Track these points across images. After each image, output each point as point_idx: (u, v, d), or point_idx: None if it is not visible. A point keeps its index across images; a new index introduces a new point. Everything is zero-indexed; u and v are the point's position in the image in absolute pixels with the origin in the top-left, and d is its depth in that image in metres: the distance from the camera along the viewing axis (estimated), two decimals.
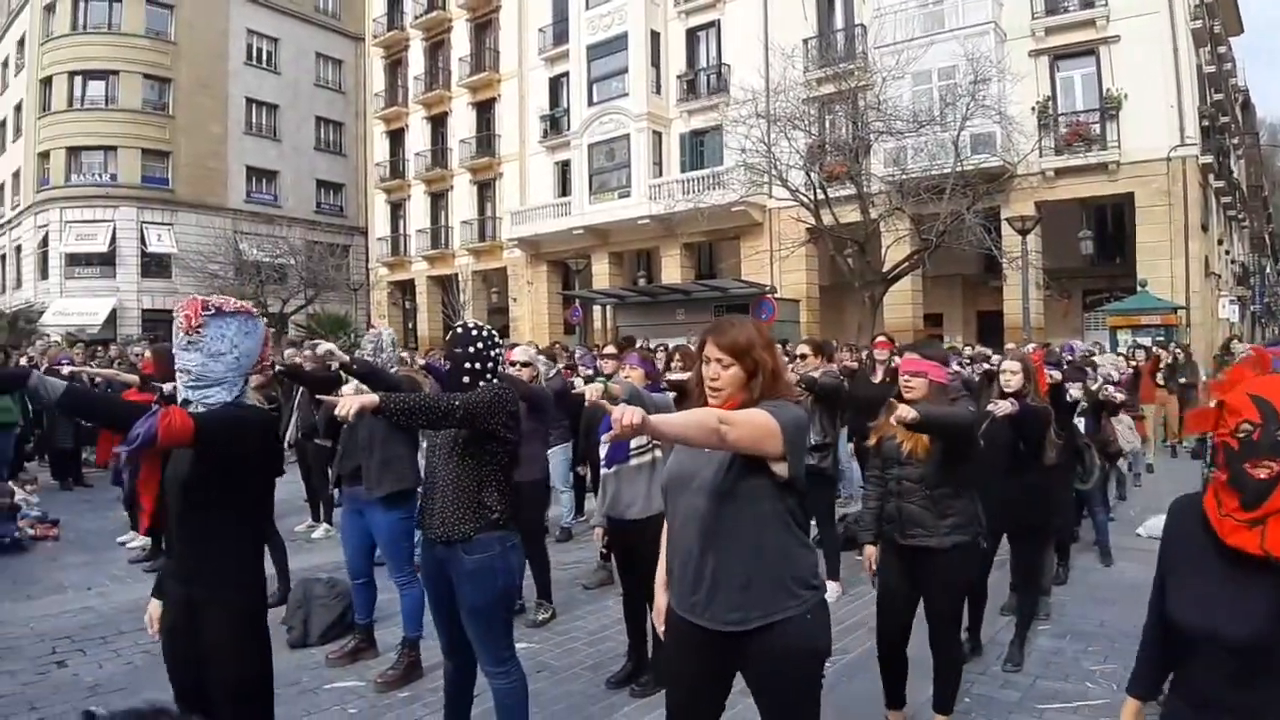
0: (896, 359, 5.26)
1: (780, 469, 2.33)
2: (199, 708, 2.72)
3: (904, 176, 17.76)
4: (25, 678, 4.74)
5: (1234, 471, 1.79)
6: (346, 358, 4.61)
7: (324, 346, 4.70)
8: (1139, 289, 18.31)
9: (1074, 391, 5.80)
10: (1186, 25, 19.33)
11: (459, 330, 3.44)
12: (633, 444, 4.27)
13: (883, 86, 18.08)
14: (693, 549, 2.39)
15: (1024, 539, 4.95)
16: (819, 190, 17.73)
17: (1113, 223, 22.16)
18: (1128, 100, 18.98)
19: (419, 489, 4.89)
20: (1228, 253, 27.14)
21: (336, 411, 2.83)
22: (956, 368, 8.86)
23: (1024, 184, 19.25)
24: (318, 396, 3.56)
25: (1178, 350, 14.44)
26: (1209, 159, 19.62)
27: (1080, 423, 6.61)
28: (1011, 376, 4.82)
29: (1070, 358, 7.26)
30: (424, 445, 3.62)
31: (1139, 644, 2.07)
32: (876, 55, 19.66)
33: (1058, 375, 5.55)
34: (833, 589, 5.47)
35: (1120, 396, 7.47)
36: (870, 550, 3.85)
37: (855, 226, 18.00)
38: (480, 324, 3.48)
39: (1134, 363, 10.97)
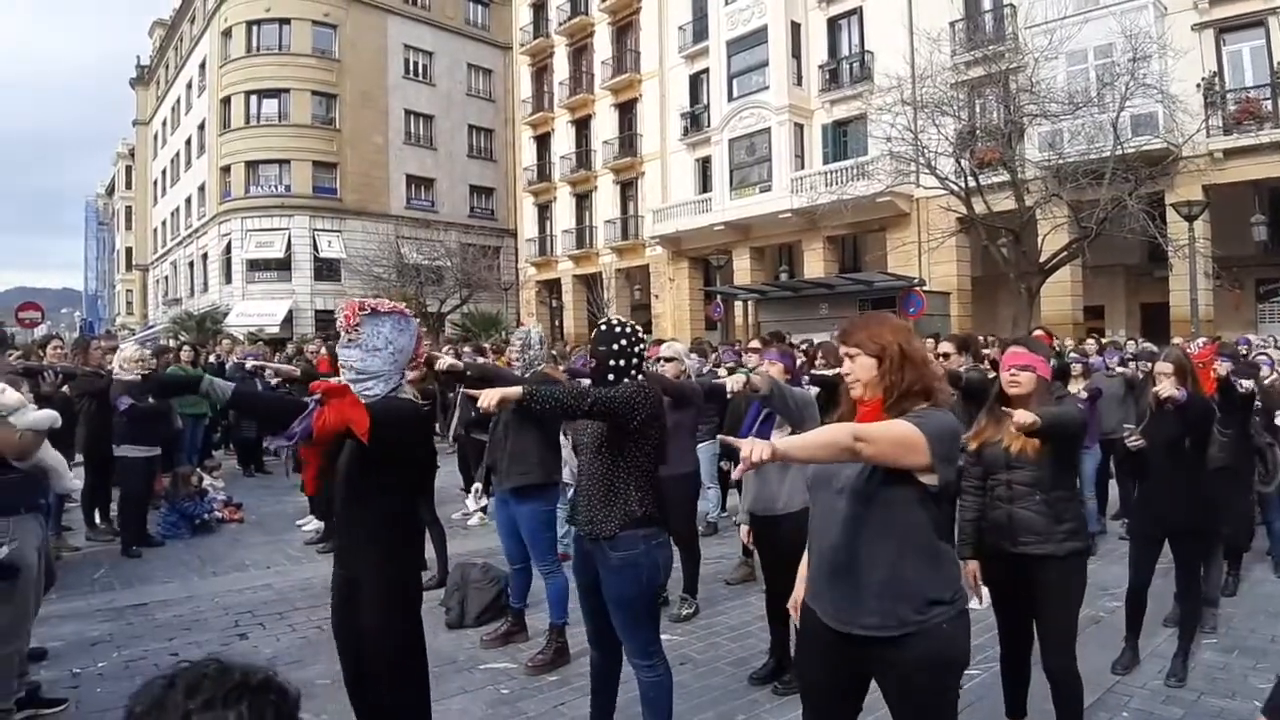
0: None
1: (929, 479, 2.27)
2: (364, 682, 2.99)
3: (1060, 161, 16.89)
4: (210, 648, 5.12)
5: None
6: (461, 365, 4.94)
7: (443, 362, 4.81)
8: None
9: (1245, 383, 5.41)
10: None
11: (603, 328, 3.49)
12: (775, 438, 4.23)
13: (1035, 68, 17.32)
14: (828, 549, 2.37)
15: (1186, 544, 4.55)
16: (970, 178, 17.12)
17: None
18: None
19: (557, 482, 5.08)
20: None
21: (480, 404, 3.04)
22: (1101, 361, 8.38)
23: (1190, 167, 17.86)
24: (467, 391, 3.83)
25: None
26: None
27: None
28: (1164, 380, 4.33)
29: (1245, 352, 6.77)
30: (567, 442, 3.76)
31: None
32: (1027, 35, 18.78)
33: (1228, 367, 5.20)
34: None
35: None
36: (972, 566, 3.51)
37: (1009, 215, 17.28)
38: (624, 320, 3.52)
39: None
